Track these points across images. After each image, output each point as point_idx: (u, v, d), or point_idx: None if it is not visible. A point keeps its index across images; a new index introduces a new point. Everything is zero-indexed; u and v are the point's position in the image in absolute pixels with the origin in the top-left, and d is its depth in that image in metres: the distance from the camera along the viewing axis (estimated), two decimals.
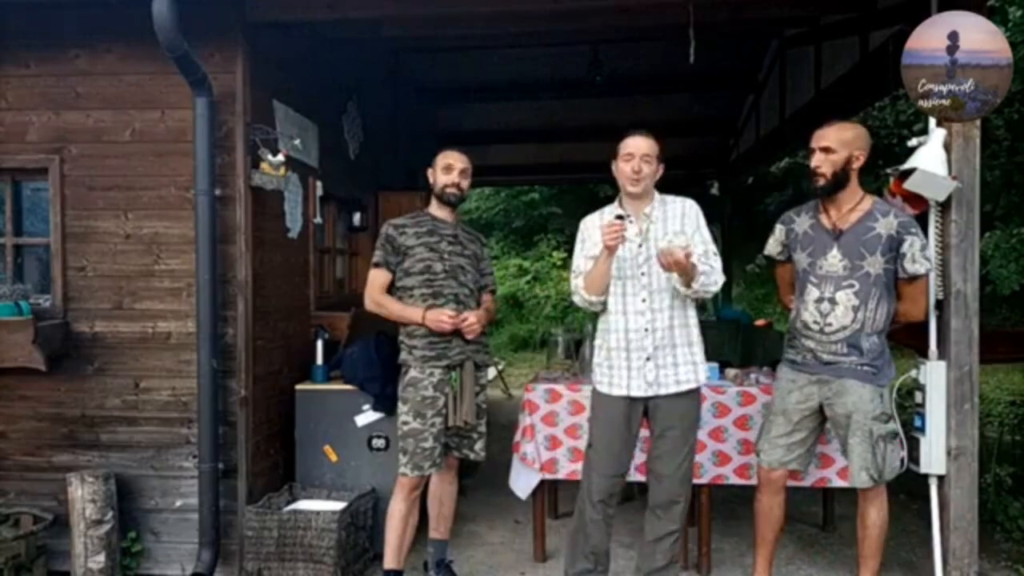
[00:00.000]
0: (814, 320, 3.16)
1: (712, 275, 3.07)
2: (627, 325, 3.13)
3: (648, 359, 3.10)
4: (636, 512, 3.25)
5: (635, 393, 3.12)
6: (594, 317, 3.32)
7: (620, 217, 2.99)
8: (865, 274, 3.08)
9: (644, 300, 3.11)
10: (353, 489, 3.92)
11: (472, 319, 3.35)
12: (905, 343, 3.86)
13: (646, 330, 3.10)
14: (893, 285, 3.14)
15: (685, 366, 3.13)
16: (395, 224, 3.47)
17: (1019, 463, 4.95)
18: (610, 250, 2.98)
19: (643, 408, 3.17)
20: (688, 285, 3.03)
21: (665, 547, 3.19)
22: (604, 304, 3.17)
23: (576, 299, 3.24)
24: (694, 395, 3.19)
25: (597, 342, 3.26)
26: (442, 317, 3.28)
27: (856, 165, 3.12)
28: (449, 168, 3.43)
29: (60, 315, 3.79)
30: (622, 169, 3.14)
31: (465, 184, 3.48)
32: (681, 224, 3.15)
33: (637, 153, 3.09)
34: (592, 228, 3.24)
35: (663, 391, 3.10)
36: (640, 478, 3.59)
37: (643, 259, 3.12)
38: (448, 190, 3.43)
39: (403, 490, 3.39)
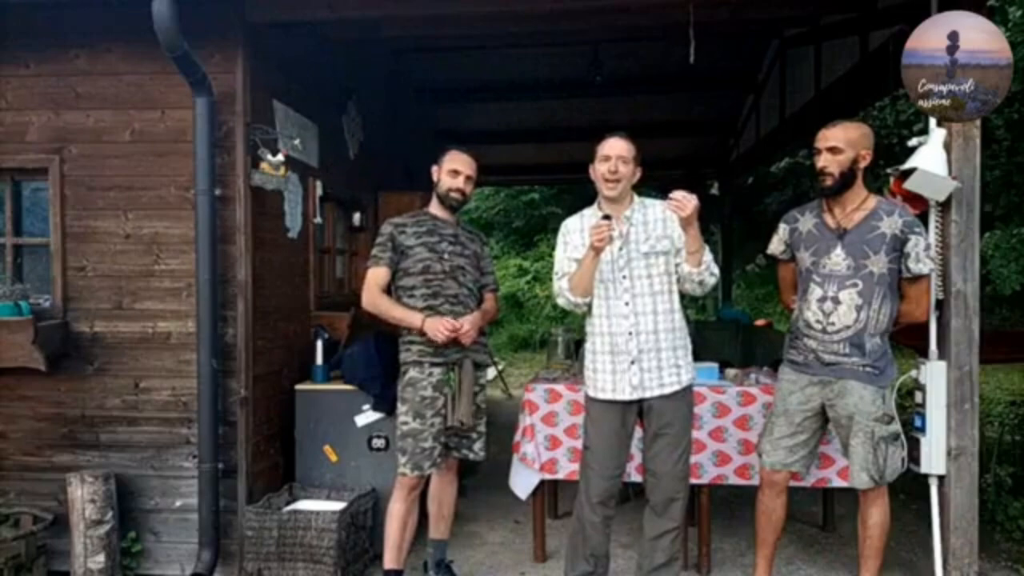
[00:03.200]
0: (817, 320, 3.15)
1: (711, 260, 3.06)
2: (611, 328, 3.12)
3: (632, 363, 3.09)
4: (635, 512, 3.25)
5: (620, 397, 3.11)
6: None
7: (607, 217, 2.97)
8: (869, 273, 3.08)
9: (627, 304, 3.10)
10: (353, 489, 3.92)
11: (466, 327, 3.31)
12: (905, 343, 3.86)
13: (630, 333, 3.09)
14: (897, 285, 3.14)
15: (668, 370, 3.11)
16: (395, 223, 3.45)
17: (1019, 463, 4.95)
18: (596, 251, 2.96)
19: (637, 409, 3.16)
20: (697, 261, 3.00)
21: (665, 544, 3.18)
22: (589, 306, 3.16)
23: (561, 301, 3.20)
24: (687, 392, 3.19)
25: (587, 345, 3.26)
26: (439, 327, 3.24)
27: (862, 164, 3.12)
28: (456, 173, 3.40)
29: (60, 315, 3.79)
30: (598, 170, 3.12)
31: (469, 189, 3.46)
32: (664, 228, 3.13)
33: (613, 154, 3.08)
34: (574, 231, 3.23)
35: (647, 394, 3.10)
36: (638, 478, 3.59)
37: (624, 262, 3.10)
38: (452, 194, 3.42)
39: (402, 490, 3.39)
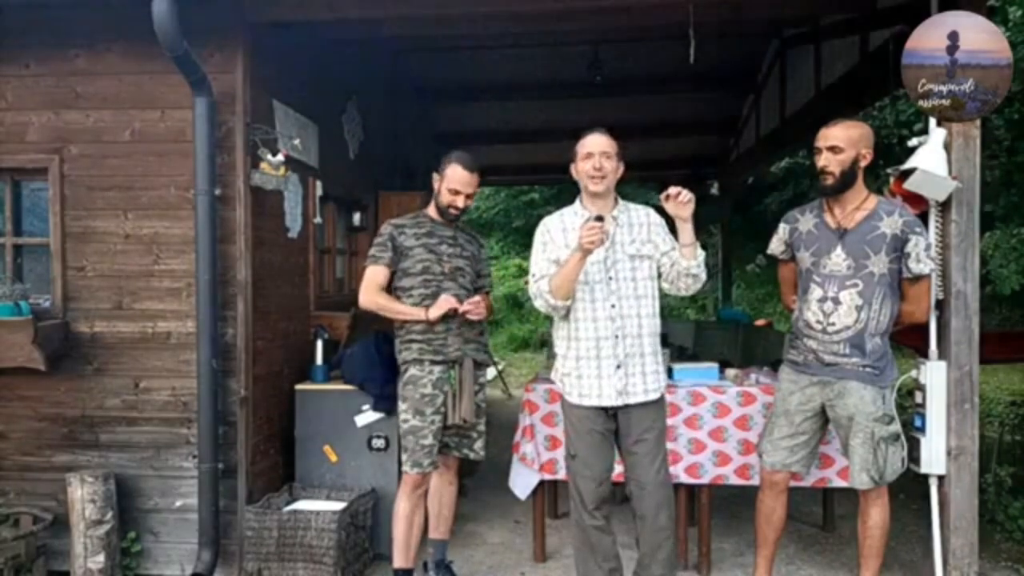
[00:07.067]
0: (817, 320, 3.15)
1: (703, 257, 3.03)
2: (597, 332, 3.04)
3: (619, 367, 3.03)
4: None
5: (605, 403, 3.04)
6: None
7: (599, 218, 2.86)
8: (869, 273, 3.08)
9: (613, 306, 3.03)
10: (353, 489, 3.92)
11: (469, 306, 3.33)
12: (905, 343, 3.86)
13: (616, 337, 3.03)
14: (898, 285, 3.14)
15: (653, 374, 3.08)
16: (395, 223, 3.46)
17: (1019, 463, 4.95)
18: (586, 252, 2.87)
19: (614, 414, 3.09)
20: (693, 254, 2.96)
21: (663, 555, 3.09)
22: (567, 309, 3.07)
23: (539, 303, 3.08)
24: (664, 398, 3.18)
25: (561, 351, 3.15)
26: (444, 303, 3.28)
27: (863, 164, 3.12)
28: (455, 192, 3.39)
29: (60, 315, 3.79)
30: (582, 168, 3.06)
31: (469, 205, 3.46)
32: (648, 234, 3.09)
33: (596, 150, 3.03)
34: (555, 231, 3.14)
35: (632, 400, 3.04)
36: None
37: (610, 263, 3.04)
38: (450, 210, 3.42)
39: (406, 488, 3.40)
